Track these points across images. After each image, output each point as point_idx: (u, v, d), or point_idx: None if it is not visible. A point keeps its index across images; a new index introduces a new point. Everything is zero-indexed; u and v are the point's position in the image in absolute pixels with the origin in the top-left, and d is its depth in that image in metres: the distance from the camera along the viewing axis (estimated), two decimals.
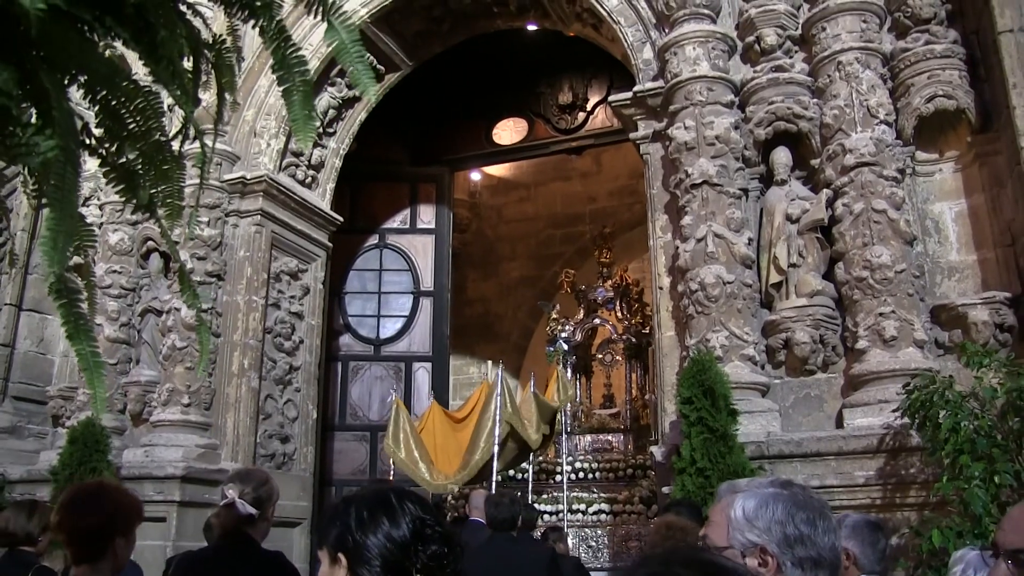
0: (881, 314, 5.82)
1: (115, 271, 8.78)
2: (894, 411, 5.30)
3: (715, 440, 5.52)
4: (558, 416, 9.73)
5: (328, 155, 9.84)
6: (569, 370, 11.46)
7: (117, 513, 2.53)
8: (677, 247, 6.66)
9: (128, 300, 8.85)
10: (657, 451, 6.54)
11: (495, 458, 8.64)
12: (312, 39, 8.45)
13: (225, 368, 8.44)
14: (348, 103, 9.75)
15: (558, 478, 10.23)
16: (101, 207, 9.04)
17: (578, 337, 11.99)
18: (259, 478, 3.23)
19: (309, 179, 9.63)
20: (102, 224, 8.92)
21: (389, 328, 11.27)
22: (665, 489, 6.18)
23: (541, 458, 10.45)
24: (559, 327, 11.98)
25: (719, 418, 5.54)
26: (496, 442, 8.67)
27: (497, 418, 8.72)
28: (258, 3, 1.43)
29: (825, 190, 6.35)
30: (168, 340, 8.30)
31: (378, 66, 9.75)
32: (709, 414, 5.54)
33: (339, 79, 9.38)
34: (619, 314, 11.82)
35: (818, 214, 6.30)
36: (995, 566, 1.43)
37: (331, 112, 9.58)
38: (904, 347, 5.77)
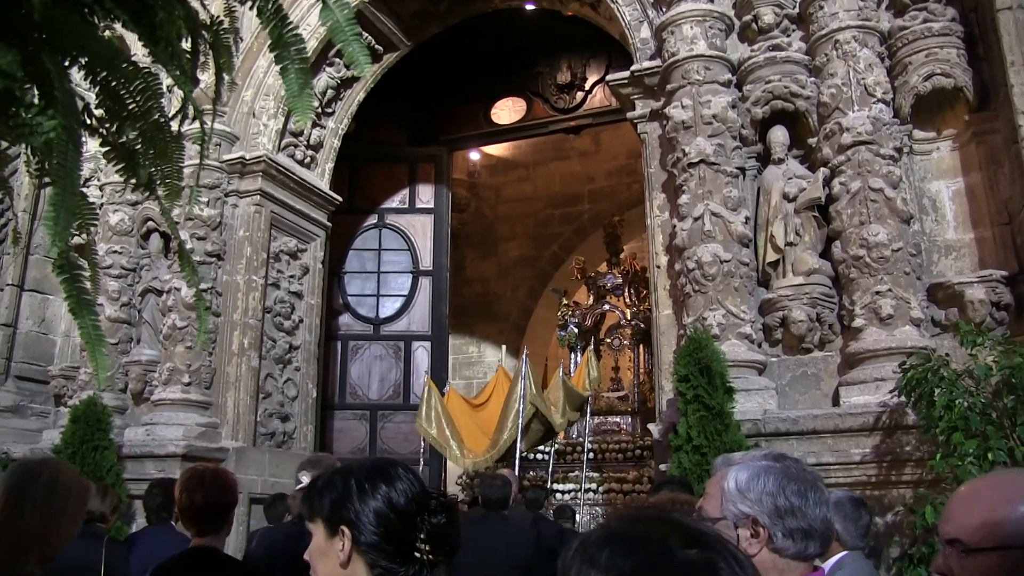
0: (878, 292, 5.85)
1: (115, 251, 8.79)
2: (891, 390, 5.34)
3: (711, 418, 5.56)
4: (587, 403, 10.05)
5: (327, 135, 9.85)
6: (580, 354, 11.61)
7: (231, 491, 2.99)
8: (674, 226, 6.67)
9: (128, 280, 8.87)
10: (654, 429, 6.59)
11: (520, 438, 8.89)
12: (310, 19, 8.43)
13: (225, 347, 8.48)
14: (346, 83, 9.74)
15: (570, 459, 10.42)
16: (101, 188, 9.04)
17: (588, 323, 12.14)
18: (329, 463, 3.54)
19: (308, 159, 9.64)
20: (102, 204, 8.92)
21: (388, 307, 11.31)
22: (662, 467, 6.23)
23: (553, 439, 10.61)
24: (569, 313, 12.18)
25: (716, 396, 5.58)
26: (521, 423, 8.91)
27: (523, 399, 8.95)
28: None
29: (822, 169, 6.36)
30: (168, 320, 8.33)
31: (376, 46, 9.74)
32: (706, 392, 5.58)
33: (337, 59, 9.37)
34: (627, 300, 11.94)
35: (815, 193, 6.32)
36: (938, 554, 1.48)
37: (329, 92, 9.58)
38: (900, 325, 5.80)
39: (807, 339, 6.23)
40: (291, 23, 1.57)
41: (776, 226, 6.45)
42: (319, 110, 9.58)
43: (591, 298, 12.43)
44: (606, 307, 12.17)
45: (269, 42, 1.64)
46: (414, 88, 11.64)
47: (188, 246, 8.07)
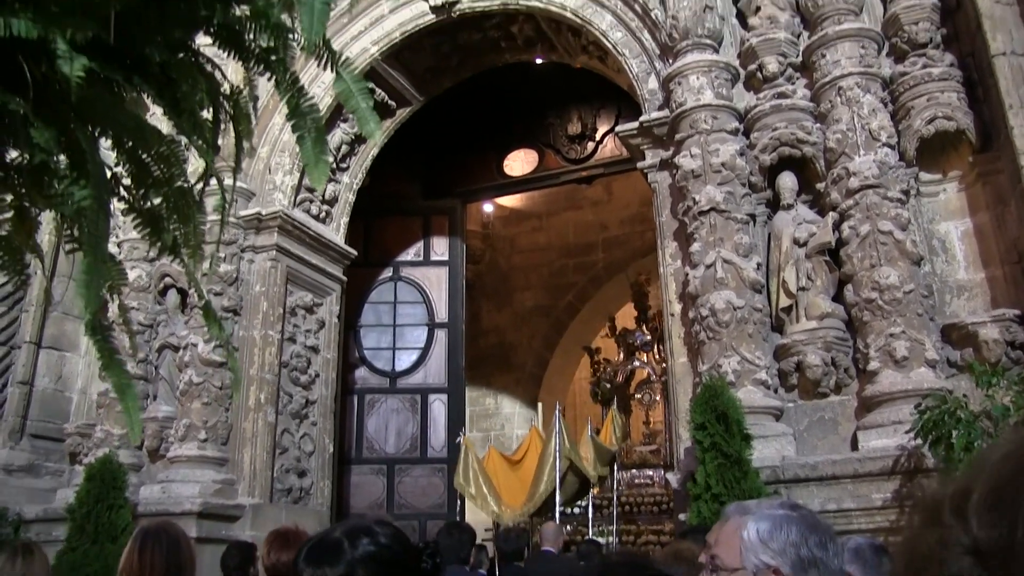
0: (891, 335, 5.85)
1: (133, 307, 8.87)
2: (908, 432, 5.32)
3: (729, 465, 5.54)
4: (616, 457, 10.30)
5: (342, 190, 9.97)
6: (610, 409, 11.80)
7: None
8: (687, 274, 6.72)
9: (146, 336, 8.94)
10: (673, 478, 6.56)
11: (558, 491, 9.09)
12: (324, 77, 8.57)
13: (242, 403, 8.51)
14: (360, 139, 9.89)
15: (606, 511, 10.54)
16: (119, 245, 9.15)
17: (619, 379, 12.37)
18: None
19: (323, 214, 9.76)
20: (120, 261, 8.99)
21: (404, 360, 11.33)
22: (682, 516, 6.20)
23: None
24: (601, 370, 12.54)
25: (733, 443, 5.57)
26: (558, 476, 9.13)
27: (558, 454, 9.19)
28: (273, 58, 1.52)
29: (831, 213, 6.41)
30: (185, 376, 8.38)
31: (389, 101, 9.92)
32: (723, 439, 5.57)
33: (352, 115, 9.51)
34: (657, 356, 12.09)
35: (825, 237, 6.36)
36: None
37: (344, 148, 9.72)
38: (916, 367, 5.79)
39: (823, 383, 6.22)
40: (307, 94, 1.64)
41: (788, 271, 6.49)
42: (334, 165, 9.71)
43: (621, 354, 12.66)
44: (636, 364, 12.39)
45: (286, 109, 1.72)
46: (427, 141, 11.79)
47: (204, 295, 8.13)
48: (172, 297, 9.11)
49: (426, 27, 9.12)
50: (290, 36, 1.50)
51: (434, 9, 8.93)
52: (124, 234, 9.06)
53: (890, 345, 5.83)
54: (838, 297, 6.35)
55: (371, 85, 8.73)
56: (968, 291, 6.29)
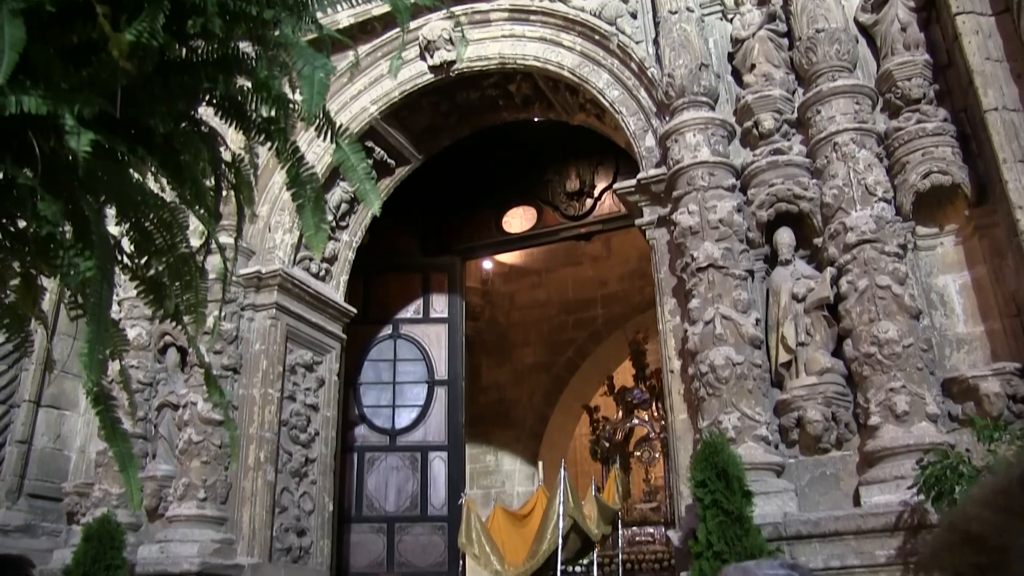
0: (892, 389, 5.84)
1: (133, 366, 8.86)
2: (910, 487, 5.29)
3: (731, 523, 5.50)
4: (619, 516, 10.27)
5: (341, 248, 10.03)
6: (612, 468, 11.82)
7: None
8: (686, 330, 6.73)
9: (145, 394, 8.92)
10: (674, 535, 6.50)
11: (560, 549, 8.99)
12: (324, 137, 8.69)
13: (241, 461, 8.46)
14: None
15: (608, 570, 10.48)
16: (120, 303, 9.17)
17: (619, 436, 12.44)
18: None
19: (323, 272, 9.80)
20: (120, 319, 9.04)
21: (404, 418, 11.27)
22: (683, 574, 6.12)
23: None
24: (600, 428, 12.58)
25: (734, 500, 5.53)
26: (561, 534, 9.05)
27: (561, 512, 9.12)
28: (273, 128, 1.55)
29: (829, 268, 6.45)
30: (184, 434, 8.35)
31: (388, 160, 10.03)
32: (724, 496, 5.53)
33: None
34: (655, 413, 12.11)
35: (823, 292, 6.39)
36: None
37: (343, 207, 9.80)
38: (917, 422, 5.77)
39: (824, 439, 6.19)
40: (307, 162, 1.67)
41: (787, 327, 6.50)
42: (333, 223, 9.77)
43: (620, 413, 12.68)
44: (635, 421, 12.40)
45: (286, 167, 1.75)
46: (426, 198, 11.87)
47: (205, 360, 8.14)
48: (172, 355, 9.11)
49: (425, 86, 9.25)
50: (291, 106, 1.53)
51: (432, 69, 9.07)
52: (125, 292, 9.07)
53: (890, 400, 5.82)
54: (837, 352, 6.36)
55: (370, 145, 8.82)
56: (968, 344, 6.29)
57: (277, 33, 1.45)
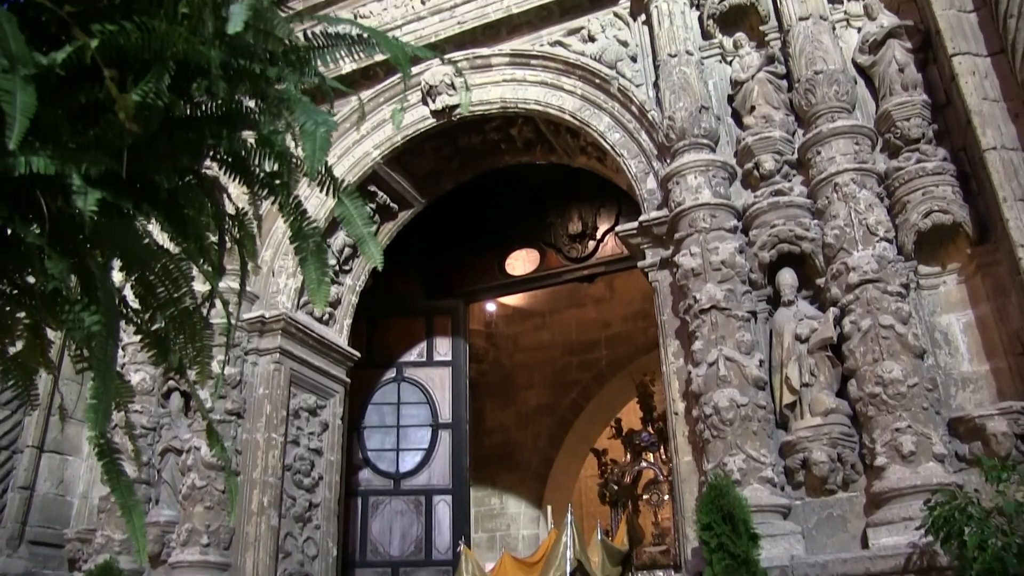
0: (897, 429, 5.80)
1: (136, 411, 8.85)
2: (918, 528, 5.23)
3: (737, 566, 5.43)
4: (631, 557, 10.36)
5: (345, 292, 10.05)
6: (620, 510, 11.82)
7: None
8: (690, 372, 6.71)
9: (148, 439, 8.89)
10: None
11: None
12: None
13: (244, 506, 8.41)
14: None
15: None
16: (123, 348, 9.18)
17: (627, 479, 12.40)
18: None
19: (327, 316, 9.81)
20: (124, 364, 9.04)
21: (408, 462, 11.21)
22: None
23: None
24: (608, 471, 12.70)
25: (740, 543, 5.47)
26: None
27: (568, 557, 9.08)
28: (277, 182, 1.58)
29: (832, 308, 6.44)
30: (188, 479, 8.31)
31: (391, 204, 10.09)
32: (730, 539, 5.47)
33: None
34: (663, 456, 12.10)
35: (826, 333, 6.38)
36: None
37: (347, 251, 9.84)
38: (924, 462, 5.72)
39: (830, 480, 6.14)
40: (310, 217, 1.70)
41: (791, 368, 6.48)
42: (337, 267, 9.81)
43: (628, 456, 12.63)
44: (643, 464, 12.33)
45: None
46: (430, 241, 11.93)
47: (208, 405, 8.13)
48: (176, 400, 9.09)
49: (427, 131, 9.33)
50: (294, 161, 1.56)
51: (435, 113, 9.16)
52: (128, 337, 9.09)
53: (896, 440, 5.78)
54: (842, 392, 6.33)
55: (373, 189, 8.87)
56: (973, 383, 6.26)
57: (280, 87, 1.48)
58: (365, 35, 1.68)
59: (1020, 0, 5.89)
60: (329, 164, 1.66)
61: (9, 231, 1.15)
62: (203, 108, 1.45)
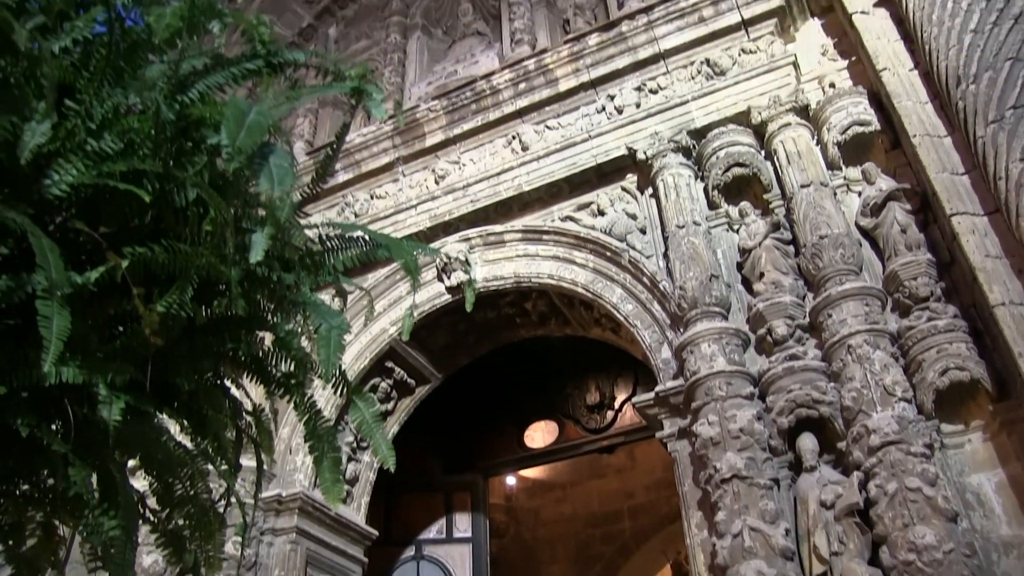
0: None
1: None
2: None
3: None
4: None
5: (362, 469, 9.96)
6: None
7: None
8: (714, 544, 6.52)
9: None
10: None
11: None
12: (345, 357, 8.85)
13: None
14: (380, 417, 9.97)
15: None
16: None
17: None
18: None
19: (344, 494, 9.69)
20: (136, 547, 8.85)
21: None
22: None
23: None
24: None
25: None
26: None
27: None
28: (292, 382, 1.63)
29: (856, 472, 6.31)
30: None
31: (408, 379, 10.14)
32: None
33: (371, 394, 9.70)
34: None
35: (852, 498, 6.23)
36: None
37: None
38: None
39: None
40: (324, 418, 1.74)
41: (818, 536, 6.30)
42: (355, 444, 9.76)
43: None
44: None
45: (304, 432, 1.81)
46: (447, 416, 11.90)
47: None
48: None
49: (443, 307, 9.47)
50: (308, 362, 1.62)
51: (450, 290, 9.33)
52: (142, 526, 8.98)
53: None
54: (874, 560, 6.10)
55: (390, 365, 8.91)
56: (1016, 548, 5.97)
57: (295, 291, 1.56)
58: (378, 240, 1.77)
59: (1006, 164, 6.05)
60: (343, 364, 1.72)
61: (35, 435, 1.19)
62: (223, 314, 1.52)
